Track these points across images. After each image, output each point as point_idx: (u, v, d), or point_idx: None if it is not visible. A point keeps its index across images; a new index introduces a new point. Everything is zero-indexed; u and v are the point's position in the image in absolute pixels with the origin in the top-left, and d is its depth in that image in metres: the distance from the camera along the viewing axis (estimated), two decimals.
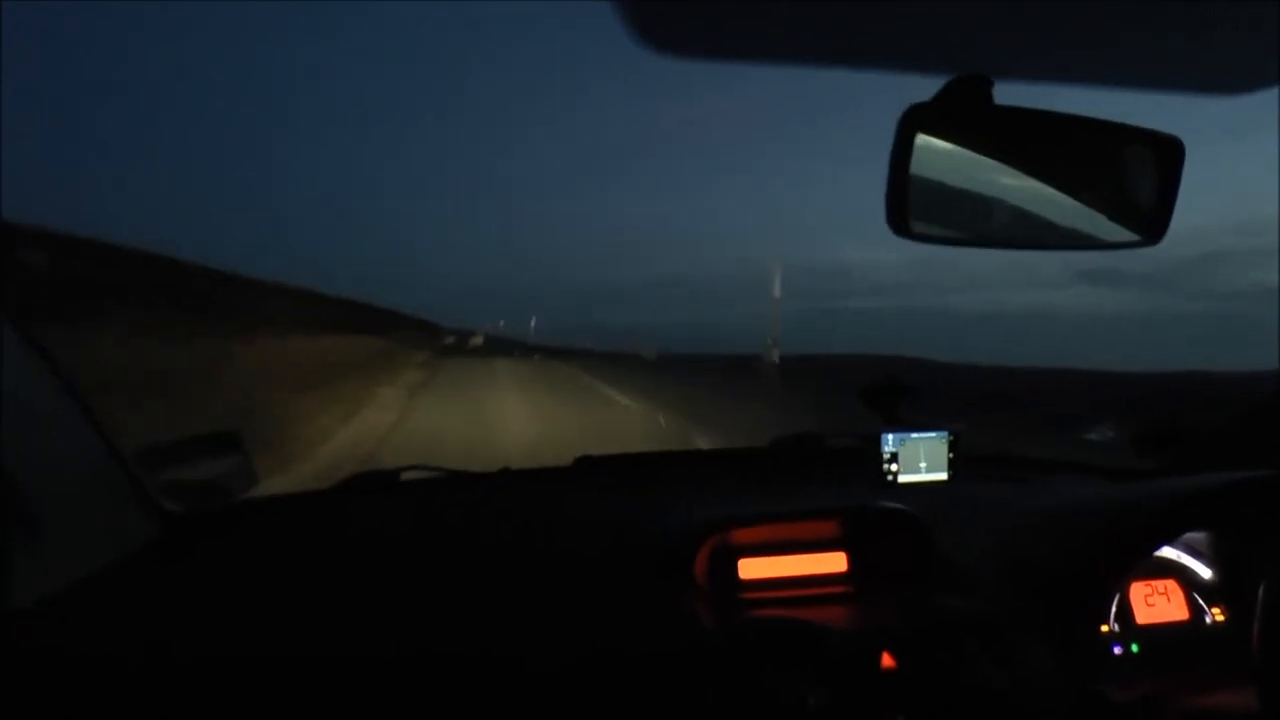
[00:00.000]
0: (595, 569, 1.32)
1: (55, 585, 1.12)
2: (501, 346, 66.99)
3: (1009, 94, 0.89)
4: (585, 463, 1.81)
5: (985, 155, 0.85)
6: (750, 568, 1.37)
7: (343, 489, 1.66)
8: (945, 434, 1.54)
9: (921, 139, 0.79)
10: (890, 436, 1.51)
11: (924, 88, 0.86)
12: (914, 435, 1.52)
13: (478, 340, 75.00)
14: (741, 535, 1.38)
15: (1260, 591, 1.08)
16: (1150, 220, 0.90)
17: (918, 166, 0.79)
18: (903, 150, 0.78)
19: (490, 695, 1.10)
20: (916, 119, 0.80)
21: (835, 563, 1.40)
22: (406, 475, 1.70)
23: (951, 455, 1.54)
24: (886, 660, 1.14)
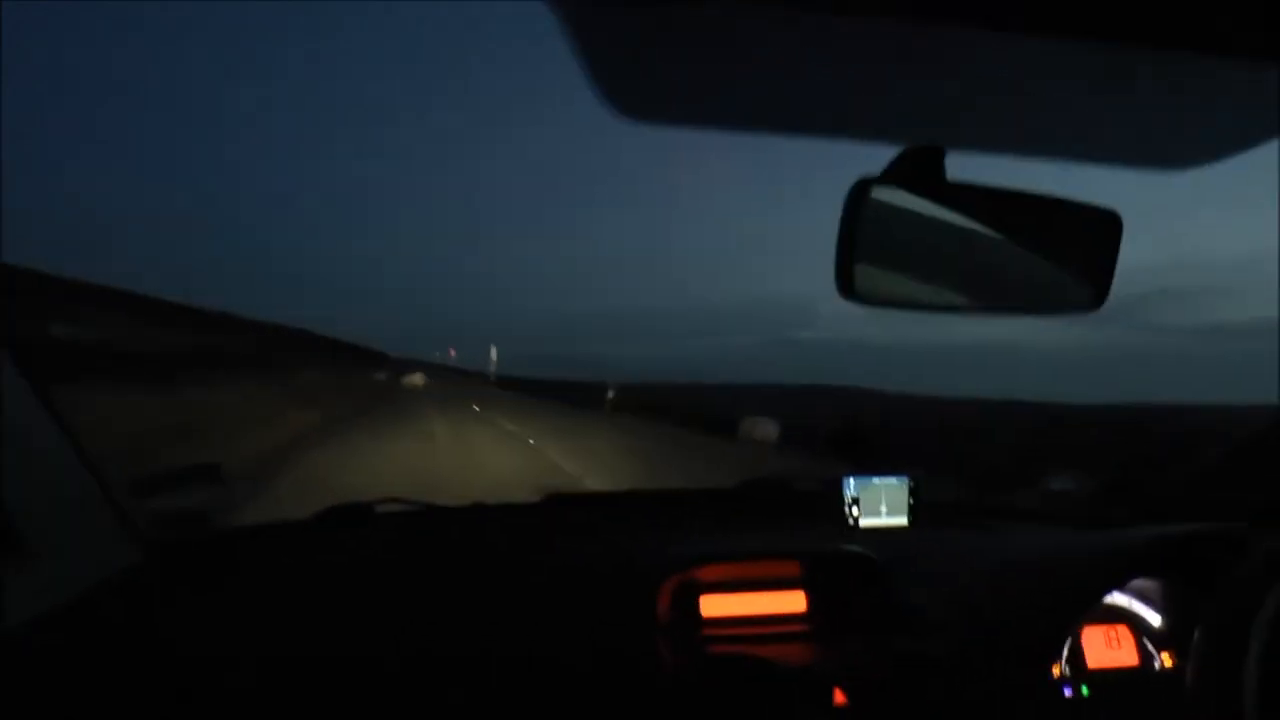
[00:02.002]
0: (561, 603, 1.34)
1: (43, 608, 1.15)
2: (445, 390, 45.61)
3: (960, 162, 0.94)
4: (555, 499, 1.82)
5: (935, 223, 0.89)
6: (711, 605, 1.39)
7: (320, 520, 1.67)
8: (906, 480, 1.58)
9: (873, 202, 0.83)
10: (852, 481, 1.55)
11: (880, 152, 0.91)
12: (875, 480, 1.56)
13: (415, 380, 53.02)
14: (704, 573, 1.40)
15: (1195, 636, 1.11)
16: (1092, 288, 0.95)
17: (867, 231, 0.83)
18: (850, 217, 0.82)
19: (462, 715, 1.13)
20: (867, 188, 0.84)
21: (795, 602, 1.42)
22: (381, 508, 1.72)
23: (912, 501, 1.58)
24: (839, 697, 1.17)
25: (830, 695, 1.17)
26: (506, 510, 1.85)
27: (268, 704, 1.12)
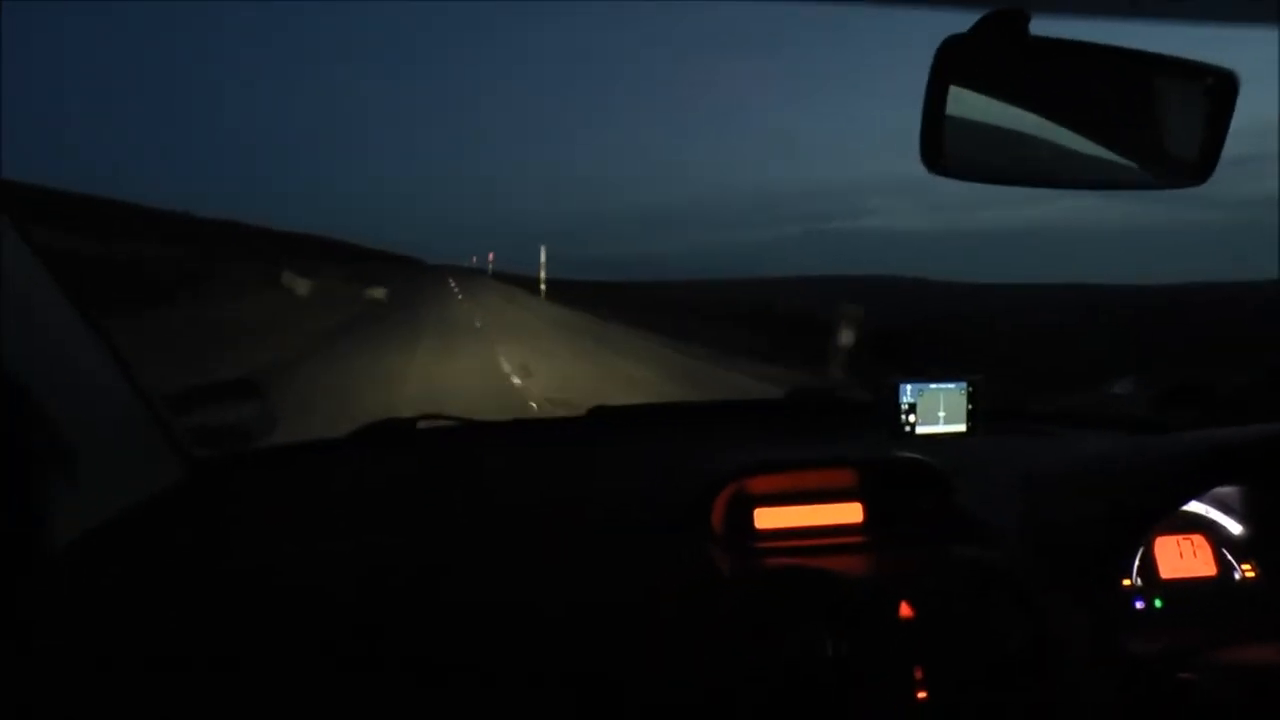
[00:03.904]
0: (612, 517, 1.32)
1: (90, 525, 1.16)
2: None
3: (1048, 30, 0.83)
4: (600, 413, 1.79)
5: (1023, 90, 0.80)
6: (766, 517, 1.36)
7: (361, 436, 1.66)
8: (964, 385, 1.50)
9: (961, 65, 0.74)
10: (908, 387, 1.48)
11: (951, 23, 0.81)
12: (932, 386, 1.49)
13: (377, 293, 30.31)
14: (758, 484, 1.36)
15: None
16: (1197, 159, 0.85)
17: (953, 101, 0.74)
18: (938, 84, 0.74)
19: (511, 637, 1.12)
20: (952, 53, 0.75)
21: (851, 513, 1.38)
22: (423, 424, 1.71)
23: (971, 406, 1.50)
24: (905, 610, 1.14)
25: (896, 608, 1.13)
26: (550, 425, 1.83)
27: (313, 625, 1.12)
